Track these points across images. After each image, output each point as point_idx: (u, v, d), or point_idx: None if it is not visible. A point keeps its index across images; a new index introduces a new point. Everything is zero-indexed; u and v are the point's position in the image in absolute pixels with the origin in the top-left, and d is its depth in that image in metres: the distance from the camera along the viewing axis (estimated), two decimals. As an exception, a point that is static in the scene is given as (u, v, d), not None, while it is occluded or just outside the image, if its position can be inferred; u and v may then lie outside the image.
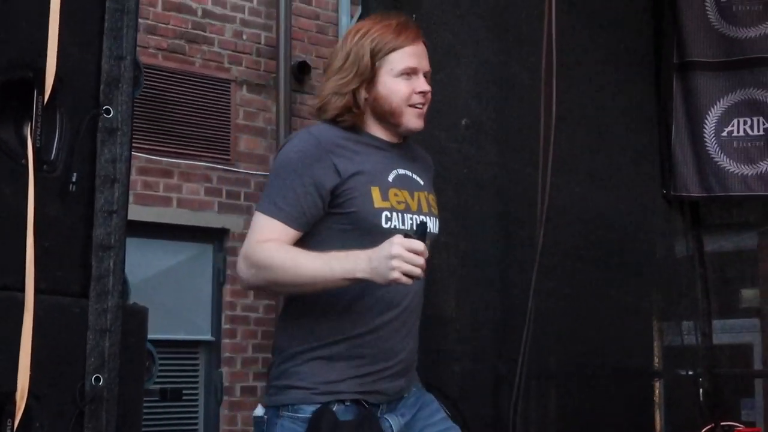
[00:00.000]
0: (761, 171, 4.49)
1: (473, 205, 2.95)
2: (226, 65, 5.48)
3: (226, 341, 5.40)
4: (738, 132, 4.56)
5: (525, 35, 3.06)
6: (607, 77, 4.14)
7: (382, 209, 2.08)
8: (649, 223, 4.49)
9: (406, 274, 1.91)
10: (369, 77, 2.10)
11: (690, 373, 4.68)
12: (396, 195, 2.11)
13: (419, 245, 1.92)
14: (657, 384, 4.46)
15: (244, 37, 5.58)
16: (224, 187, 5.41)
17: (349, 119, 2.13)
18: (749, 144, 4.54)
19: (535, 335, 2.97)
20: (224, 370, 5.38)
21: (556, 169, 2.89)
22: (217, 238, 5.45)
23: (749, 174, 4.51)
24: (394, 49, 2.10)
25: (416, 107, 2.12)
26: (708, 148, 4.58)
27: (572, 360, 3.53)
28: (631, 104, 4.44)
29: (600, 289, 3.84)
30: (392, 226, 2.08)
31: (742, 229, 5.02)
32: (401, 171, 2.16)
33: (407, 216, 2.12)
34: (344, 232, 2.08)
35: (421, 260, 1.91)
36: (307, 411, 2.05)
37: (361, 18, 3.26)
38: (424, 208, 2.18)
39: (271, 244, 2.03)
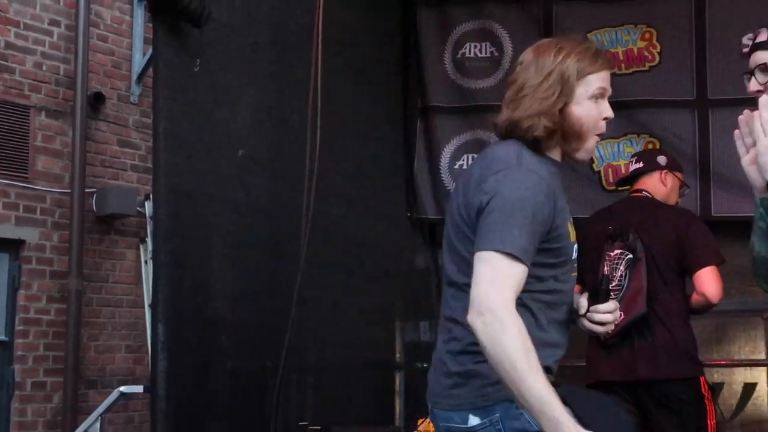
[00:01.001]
0: None
1: (249, 224, 2.97)
2: (26, 92, 5.47)
3: (19, 341, 5.33)
4: (467, 165, 4.65)
5: (297, 79, 3.11)
6: (364, 117, 4.17)
7: (574, 243, 1.94)
8: (395, 240, 4.56)
9: None
10: (571, 98, 1.90)
11: (425, 365, 4.75)
12: (570, 225, 1.94)
13: None
14: (398, 376, 4.55)
15: (44, 68, 5.57)
16: (22, 202, 5.41)
17: (548, 142, 1.92)
18: None
19: (297, 335, 3.02)
20: (16, 367, 5.29)
21: (318, 196, 2.95)
22: (13, 248, 5.41)
23: None
24: (592, 72, 1.92)
25: (599, 133, 1.96)
26: (443, 178, 4.71)
27: (328, 356, 3.59)
28: (383, 140, 4.53)
29: (353, 295, 3.86)
30: (575, 257, 1.95)
31: None
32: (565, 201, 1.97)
33: (575, 246, 1.96)
34: (545, 266, 1.87)
35: None
36: None
37: (154, 58, 3.16)
38: (574, 238, 1.98)
39: (519, 324, 1.73)
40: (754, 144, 1.73)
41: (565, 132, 1.90)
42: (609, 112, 1.95)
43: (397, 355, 4.55)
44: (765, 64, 2.02)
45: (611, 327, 1.81)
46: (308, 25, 2.99)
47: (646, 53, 4.52)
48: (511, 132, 1.93)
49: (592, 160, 4.52)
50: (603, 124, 1.95)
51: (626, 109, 4.45)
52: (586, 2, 4.59)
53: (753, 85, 2.04)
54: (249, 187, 2.95)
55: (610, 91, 1.97)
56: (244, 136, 2.93)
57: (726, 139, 4.27)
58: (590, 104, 1.91)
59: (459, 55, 4.72)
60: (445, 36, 4.74)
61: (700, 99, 4.44)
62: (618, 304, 1.97)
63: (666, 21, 4.51)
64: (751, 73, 2.04)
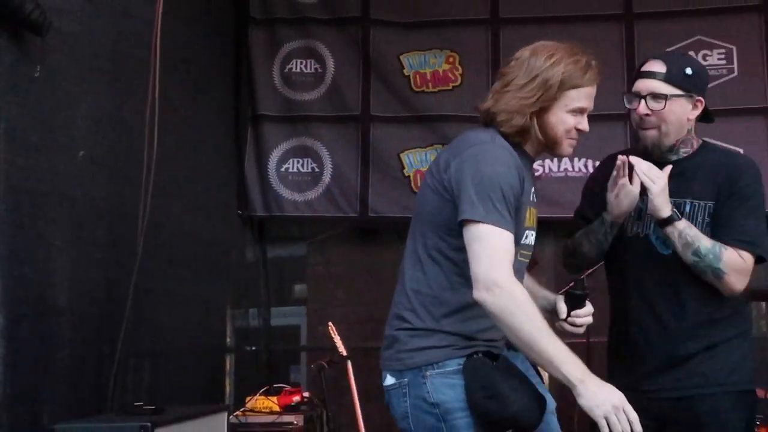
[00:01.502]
0: (308, 198, 4.86)
1: (87, 220, 2.97)
2: None
3: None
4: (293, 169, 4.90)
5: (136, 87, 3.15)
6: (199, 123, 4.18)
7: (528, 228, 1.97)
8: (227, 235, 4.60)
9: (607, 422, 1.71)
10: (548, 105, 1.89)
11: (253, 348, 4.89)
12: (531, 213, 1.98)
13: (633, 415, 1.73)
14: (228, 358, 4.58)
15: None
16: None
17: (518, 138, 1.93)
18: (300, 178, 4.90)
19: (133, 323, 3.04)
20: None
21: (155, 194, 2.98)
22: None
23: (300, 200, 4.86)
24: (576, 86, 1.89)
25: (571, 140, 1.95)
26: (270, 180, 4.85)
27: (163, 341, 3.61)
28: (217, 145, 4.58)
29: (187, 285, 3.90)
30: (527, 243, 1.97)
31: (295, 240, 5.26)
32: (533, 189, 2.01)
33: (532, 232, 2.00)
34: None
35: (628, 429, 1.72)
36: (453, 364, 1.86)
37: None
38: (534, 224, 2.03)
39: (525, 294, 1.77)
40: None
41: (539, 132, 1.91)
42: (584, 126, 1.94)
43: (228, 340, 4.60)
44: (655, 93, 2.25)
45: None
46: (147, 38, 3.04)
47: (450, 75, 4.89)
48: (489, 121, 1.95)
49: (402, 166, 4.83)
50: (575, 132, 1.94)
51: (433, 122, 4.82)
52: (399, 28, 4.91)
53: (642, 108, 2.26)
54: (88, 186, 2.95)
55: (591, 108, 1.96)
56: (84, 139, 2.94)
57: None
58: (566, 116, 1.91)
59: (286, 70, 4.91)
60: (274, 52, 4.91)
61: None
62: (592, 308, 2.01)
63: (466, 47, 4.91)
64: (641, 96, 2.27)
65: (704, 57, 4.61)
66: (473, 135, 1.96)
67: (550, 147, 1.97)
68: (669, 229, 2.24)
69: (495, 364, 1.85)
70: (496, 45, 4.85)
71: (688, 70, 2.31)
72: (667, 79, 2.28)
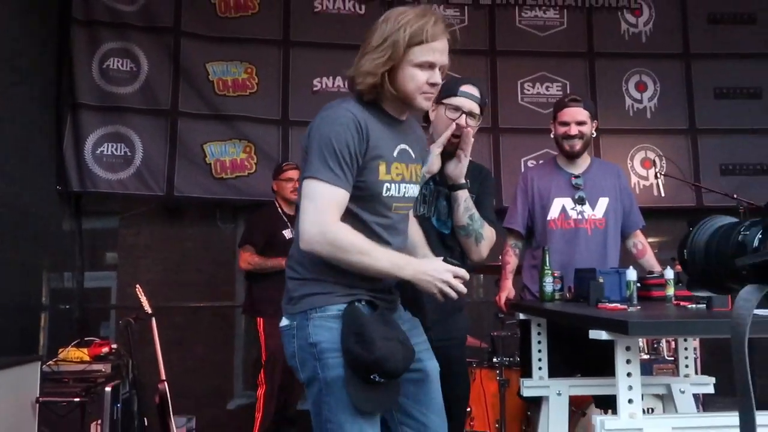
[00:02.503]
0: (121, 178, 4.93)
1: None
2: None
3: None
4: (107, 152, 4.92)
5: None
6: (23, 108, 4.17)
7: (384, 181, 1.88)
8: (47, 207, 4.61)
9: (441, 293, 1.81)
10: (397, 63, 1.83)
11: (67, 307, 4.91)
12: (396, 168, 1.91)
13: (464, 273, 1.82)
14: (43, 315, 4.56)
15: None
16: None
17: (373, 97, 1.87)
18: (114, 160, 4.91)
19: None
20: None
21: None
22: None
23: (113, 179, 4.92)
24: (420, 43, 1.81)
25: (425, 93, 1.87)
26: (87, 161, 4.88)
27: None
28: (40, 129, 4.56)
29: (7, 251, 3.88)
30: (390, 195, 1.89)
31: (109, 214, 5.30)
32: (402, 146, 1.94)
33: (402, 185, 1.92)
34: (354, 199, 1.83)
35: (459, 286, 1.81)
36: (333, 310, 1.83)
37: None
38: (415, 179, 1.98)
39: (346, 229, 1.76)
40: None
41: (392, 89, 1.85)
42: (436, 79, 1.86)
43: (44, 299, 4.60)
44: (472, 112, 2.45)
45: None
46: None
47: (248, 83, 5.23)
48: (351, 86, 1.91)
49: (205, 155, 5.09)
50: (427, 87, 1.86)
51: (233, 121, 5.14)
52: (206, 40, 5.19)
53: (463, 121, 2.44)
54: None
55: (442, 62, 1.87)
56: None
57: (298, 149, 5.17)
58: (415, 71, 1.84)
59: (104, 66, 5.00)
60: (94, 50, 4.97)
61: (284, 118, 5.23)
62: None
63: (261, 60, 5.27)
64: (466, 112, 2.44)
65: (547, 88, 5.43)
66: (328, 104, 1.92)
67: (406, 103, 1.90)
68: (460, 193, 2.47)
69: (373, 312, 1.83)
70: (287, 62, 5.29)
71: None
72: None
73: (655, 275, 2.80)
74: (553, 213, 3.13)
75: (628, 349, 1.83)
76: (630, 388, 1.82)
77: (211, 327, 5.29)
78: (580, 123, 3.11)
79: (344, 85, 5.15)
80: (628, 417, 1.81)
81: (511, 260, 3.26)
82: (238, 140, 5.14)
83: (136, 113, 5.02)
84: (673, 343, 4.00)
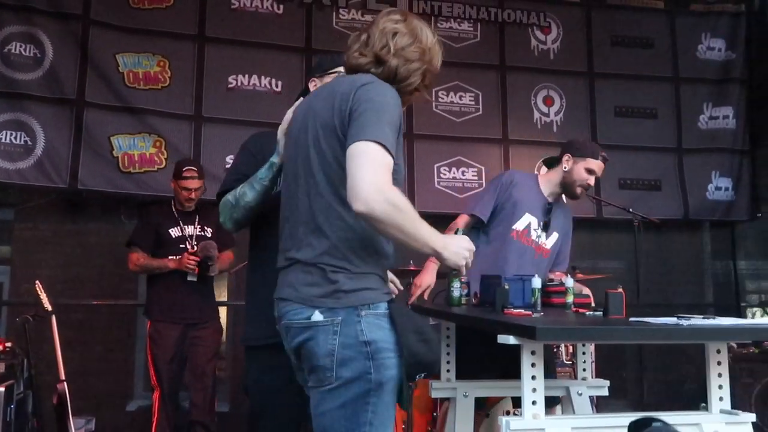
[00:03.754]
0: (19, 168, 4.72)
1: None
2: None
3: None
4: (5, 140, 4.70)
5: None
6: None
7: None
8: None
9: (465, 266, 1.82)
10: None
11: None
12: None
13: (473, 248, 1.85)
14: None
15: None
16: None
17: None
18: (12, 149, 4.69)
19: None
20: None
21: None
22: None
23: (11, 169, 4.72)
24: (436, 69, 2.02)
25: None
26: None
27: None
28: None
29: None
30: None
31: (2, 206, 5.12)
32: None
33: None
34: None
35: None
36: (382, 308, 1.77)
37: None
38: None
39: (401, 192, 1.69)
40: None
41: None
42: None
43: None
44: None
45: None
46: None
47: (160, 76, 5.11)
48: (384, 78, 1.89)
49: (112, 148, 4.94)
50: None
51: (143, 114, 5.01)
52: (116, 30, 5.04)
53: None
54: None
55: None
56: None
57: (210, 146, 5.11)
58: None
59: (5, 50, 4.78)
60: (-7, 32, 4.79)
61: (197, 114, 5.14)
62: None
63: (175, 54, 5.18)
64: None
65: (460, 97, 5.57)
66: (359, 77, 1.88)
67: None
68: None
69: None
70: (201, 57, 5.21)
71: None
72: None
73: (555, 283, 2.95)
74: (520, 225, 3.20)
75: (533, 353, 1.93)
76: (534, 390, 1.92)
77: (111, 326, 5.15)
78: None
79: (260, 83, 5.19)
80: (532, 417, 1.91)
81: None
82: (148, 134, 5.03)
83: (39, 101, 4.82)
84: (571, 348, 4.23)
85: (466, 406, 2.94)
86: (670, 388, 5.73)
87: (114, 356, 5.08)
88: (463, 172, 5.59)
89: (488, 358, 3.04)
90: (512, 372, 2.90)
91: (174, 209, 4.12)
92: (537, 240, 3.21)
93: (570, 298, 2.72)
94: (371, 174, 1.65)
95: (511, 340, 1.91)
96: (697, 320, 2.05)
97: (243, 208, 2.24)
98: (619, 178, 5.78)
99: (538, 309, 2.40)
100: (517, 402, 3.32)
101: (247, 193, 2.23)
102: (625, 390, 5.75)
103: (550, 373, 3.15)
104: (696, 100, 6.05)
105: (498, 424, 3.59)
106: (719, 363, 2.08)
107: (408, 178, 5.40)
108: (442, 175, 5.55)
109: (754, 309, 6.43)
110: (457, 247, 1.79)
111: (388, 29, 1.90)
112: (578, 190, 3.21)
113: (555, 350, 4.09)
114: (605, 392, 3.01)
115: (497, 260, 3.11)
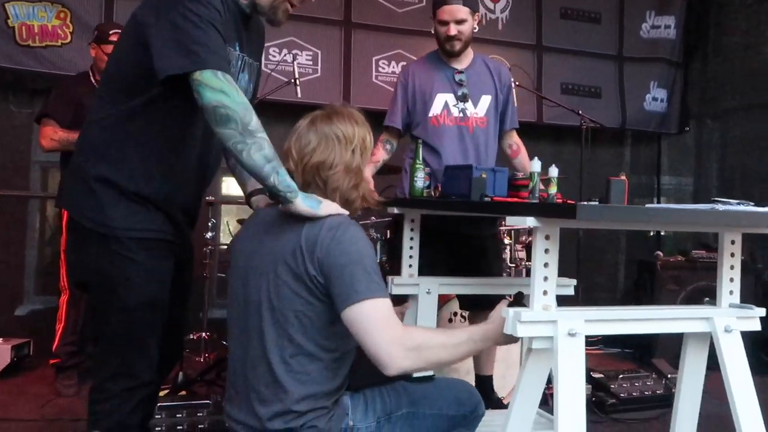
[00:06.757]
0: None
1: None
2: None
3: None
4: None
5: None
6: None
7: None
8: None
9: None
10: None
11: None
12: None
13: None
14: None
15: None
16: None
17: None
18: None
19: None
20: None
21: None
22: None
23: None
24: None
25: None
26: None
27: None
28: None
29: None
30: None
31: None
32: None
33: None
34: None
35: None
36: None
37: None
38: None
39: (412, 329, 1.68)
40: None
41: None
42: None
43: None
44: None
45: None
46: None
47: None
48: None
49: (7, 16, 4.28)
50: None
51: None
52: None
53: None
54: None
55: None
56: None
57: (125, 21, 4.46)
58: None
59: None
60: None
61: None
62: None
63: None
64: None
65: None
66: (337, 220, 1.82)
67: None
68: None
69: None
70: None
71: None
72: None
73: (523, 176, 2.73)
74: (435, 109, 2.99)
75: (547, 237, 1.69)
76: (546, 279, 1.69)
77: (-1, 220, 4.65)
78: (460, 22, 2.94)
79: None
80: (542, 309, 1.69)
81: (378, 153, 3.07)
82: (50, 3, 4.35)
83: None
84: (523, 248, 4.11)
85: (429, 304, 2.72)
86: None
87: (1, 254, 4.50)
88: (402, 67, 5.23)
89: (437, 255, 2.92)
90: (458, 270, 2.89)
91: (94, 80, 3.54)
92: (462, 114, 2.98)
93: (553, 190, 2.49)
94: (386, 335, 1.60)
95: (529, 221, 1.66)
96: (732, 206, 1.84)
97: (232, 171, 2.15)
98: (561, 83, 5.60)
99: (536, 195, 2.18)
100: (463, 303, 3.26)
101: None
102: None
103: (496, 272, 3.14)
104: (640, 6, 5.91)
105: (454, 322, 3.46)
106: (732, 255, 1.93)
107: (344, 71, 5.01)
108: (380, 69, 5.18)
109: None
110: (494, 333, 1.70)
111: None
112: (448, 46, 2.98)
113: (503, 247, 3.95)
114: (571, 291, 2.86)
115: (435, 155, 2.93)
